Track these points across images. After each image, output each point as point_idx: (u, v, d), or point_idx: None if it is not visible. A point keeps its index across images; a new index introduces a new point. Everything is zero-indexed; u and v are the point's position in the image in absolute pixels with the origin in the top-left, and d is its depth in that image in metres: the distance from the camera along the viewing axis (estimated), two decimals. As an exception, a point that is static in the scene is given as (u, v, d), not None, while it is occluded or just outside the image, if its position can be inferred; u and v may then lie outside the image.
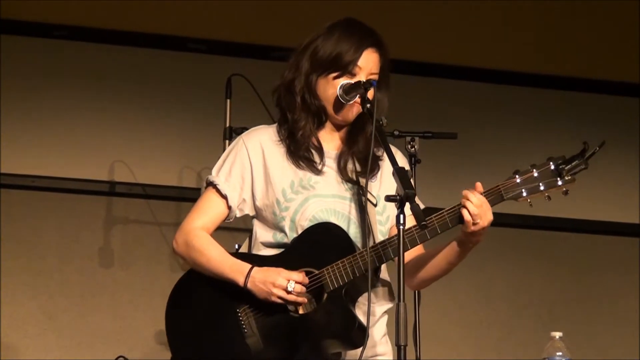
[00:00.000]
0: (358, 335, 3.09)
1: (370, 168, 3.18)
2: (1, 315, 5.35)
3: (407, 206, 2.92)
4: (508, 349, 5.86)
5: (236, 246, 4.64)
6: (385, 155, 3.17)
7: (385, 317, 3.26)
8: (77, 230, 5.53)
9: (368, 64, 3.22)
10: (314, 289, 3.11)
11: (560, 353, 3.13)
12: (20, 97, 5.56)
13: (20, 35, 5.61)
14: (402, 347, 2.84)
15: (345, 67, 3.19)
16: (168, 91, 5.72)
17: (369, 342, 3.16)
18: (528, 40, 6.13)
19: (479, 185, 3.09)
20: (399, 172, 2.97)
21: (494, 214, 3.09)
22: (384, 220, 3.23)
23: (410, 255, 3.19)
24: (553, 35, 6.15)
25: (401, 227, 2.90)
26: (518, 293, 6.01)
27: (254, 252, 3.25)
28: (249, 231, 3.35)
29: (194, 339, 3.19)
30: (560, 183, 3.05)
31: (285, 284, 3.06)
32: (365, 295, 3.09)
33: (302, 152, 3.22)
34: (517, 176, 3.07)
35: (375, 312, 3.23)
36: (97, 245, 5.54)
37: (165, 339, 4.87)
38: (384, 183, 3.25)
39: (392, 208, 3.18)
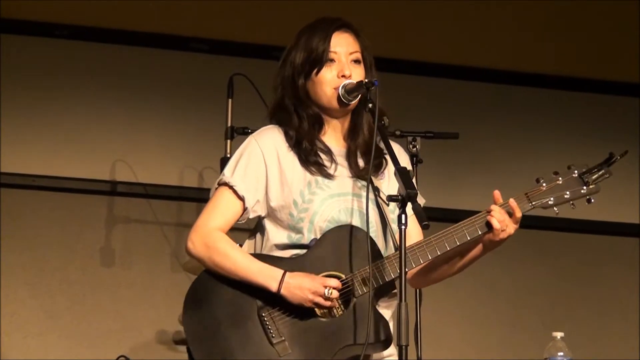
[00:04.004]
0: (387, 339, 3.11)
1: (374, 167, 3.18)
2: (2, 314, 5.35)
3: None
4: (509, 349, 5.86)
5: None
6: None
7: (392, 320, 3.25)
8: (78, 229, 5.53)
9: (342, 45, 3.23)
10: (342, 294, 3.11)
11: (561, 353, 3.14)
12: (21, 96, 5.56)
13: (21, 34, 5.60)
14: (403, 347, 2.85)
15: (320, 58, 3.21)
16: (170, 91, 5.71)
17: None
18: (528, 40, 6.14)
19: (497, 193, 3.14)
20: (400, 172, 2.98)
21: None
22: (396, 219, 3.21)
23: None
24: (553, 35, 6.15)
25: (403, 227, 2.91)
26: (519, 293, 6.01)
27: (265, 252, 3.23)
28: (249, 230, 3.34)
29: (216, 342, 3.13)
30: (585, 191, 3.06)
31: (322, 290, 3.06)
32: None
33: (312, 157, 3.22)
34: (543, 184, 3.09)
35: (387, 314, 3.22)
36: (98, 244, 5.54)
37: (166, 338, 4.87)
38: (392, 181, 3.26)
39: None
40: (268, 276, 3.10)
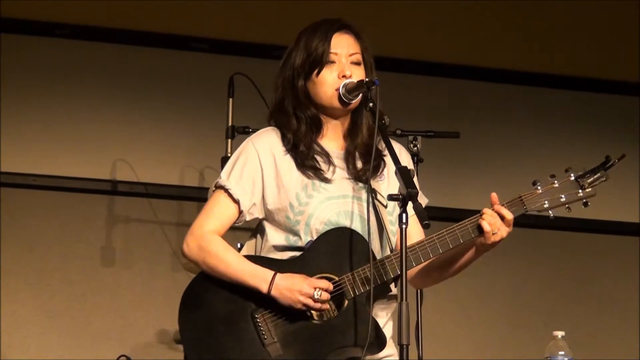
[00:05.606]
0: (379, 342, 3.10)
1: (373, 169, 3.17)
2: (2, 314, 5.35)
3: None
4: (510, 348, 5.86)
5: (238, 245, 4.65)
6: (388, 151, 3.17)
7: (391, 320, 3.26)
8: (78, 229, 5.53)
9: (342, 47, 3.23)
10: (335, 296, 3.11)
11: (562, 352, 3.14)
12: (22, 95, 5.56)
13: (21, 34, 5.60)
14: (404, 346, 2.86)
15: (320, 59, 3.20)
16: (170, 90, 5.71)
17: None
18: (529, 40, 6.14)
19: (494, 196, 3.11)
20: (401, 171, 2.97)
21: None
22: (394, 220, 3.21)
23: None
24: (553, 35, 6.16)
25: (404, 226, 2.91)
26: (520, 292, 6.01)
27: (264, 254, 3.24)
28: (250, 230, 3.34)
29: (210, 342, 3.15)
30: (581, 194, 3.05)
31: (312, 291, 3.05)
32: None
33: (308, 161, 3.21)
34: (538, 187, 3.07)
35: (383, 316, 3.23)
36: (98, 244, 5.54)
37: (167, 338, 4.87)
38: (391, 182, 3.26)
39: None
40: (259, 278, 3.11)
